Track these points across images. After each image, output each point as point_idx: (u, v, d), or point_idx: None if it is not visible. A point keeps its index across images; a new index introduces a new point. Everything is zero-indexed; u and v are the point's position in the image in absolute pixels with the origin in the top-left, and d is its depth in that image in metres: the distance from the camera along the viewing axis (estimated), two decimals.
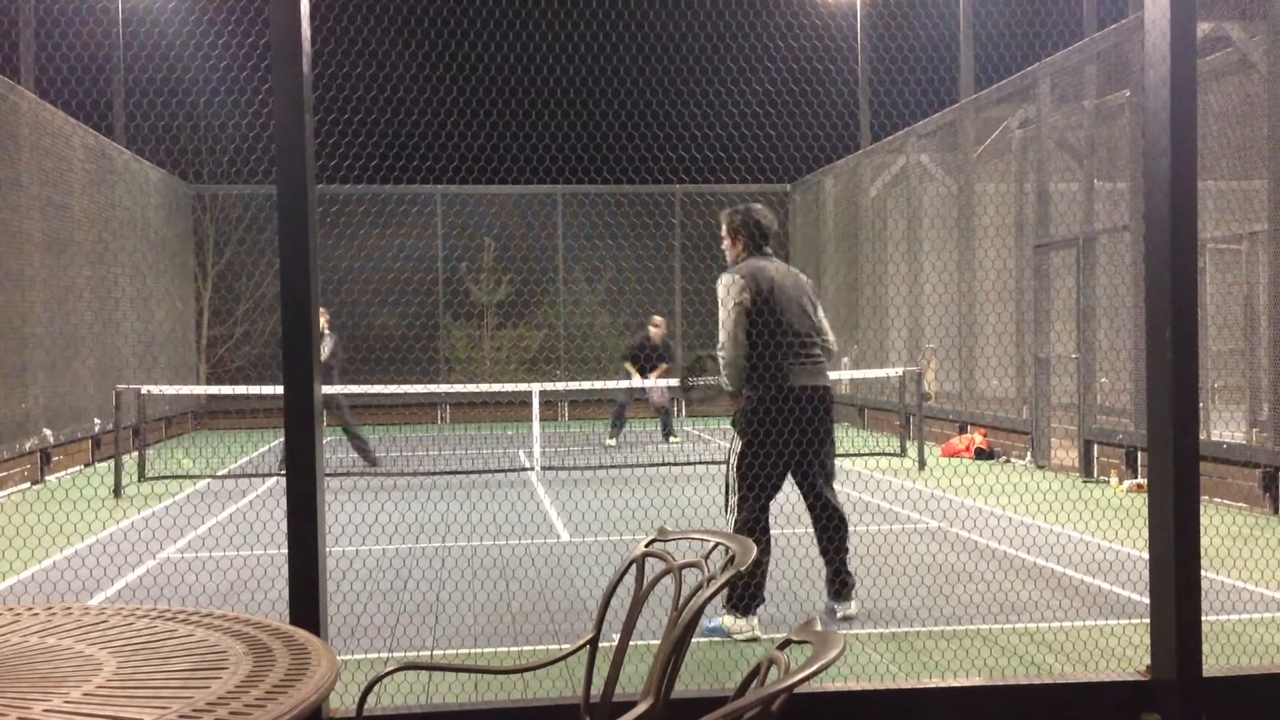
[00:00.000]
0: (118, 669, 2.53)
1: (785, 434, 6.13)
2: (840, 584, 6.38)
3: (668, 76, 9.04)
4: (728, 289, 6.21)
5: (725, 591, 5.98)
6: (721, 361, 6.24)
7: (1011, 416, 14.55)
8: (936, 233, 16.72)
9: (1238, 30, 10.61)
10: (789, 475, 6.32)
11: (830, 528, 6.35)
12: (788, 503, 6.31)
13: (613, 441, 16.83)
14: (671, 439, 17.40)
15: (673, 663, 2.64)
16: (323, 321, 14.11)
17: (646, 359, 17.05)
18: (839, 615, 6.37)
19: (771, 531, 6.35)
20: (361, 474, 13.29)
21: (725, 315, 6.18)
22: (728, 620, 6.11)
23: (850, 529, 6.47)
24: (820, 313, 6.42)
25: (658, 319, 17.61)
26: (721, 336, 6.21)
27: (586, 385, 16.97)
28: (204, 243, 21.48)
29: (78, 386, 15.13)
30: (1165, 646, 4.18)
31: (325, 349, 14.07)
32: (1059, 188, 13.92)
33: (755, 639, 6.06)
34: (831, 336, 6.46)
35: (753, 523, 6.15)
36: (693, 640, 2.75)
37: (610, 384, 16.69)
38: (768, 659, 2.25)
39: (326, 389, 13.58)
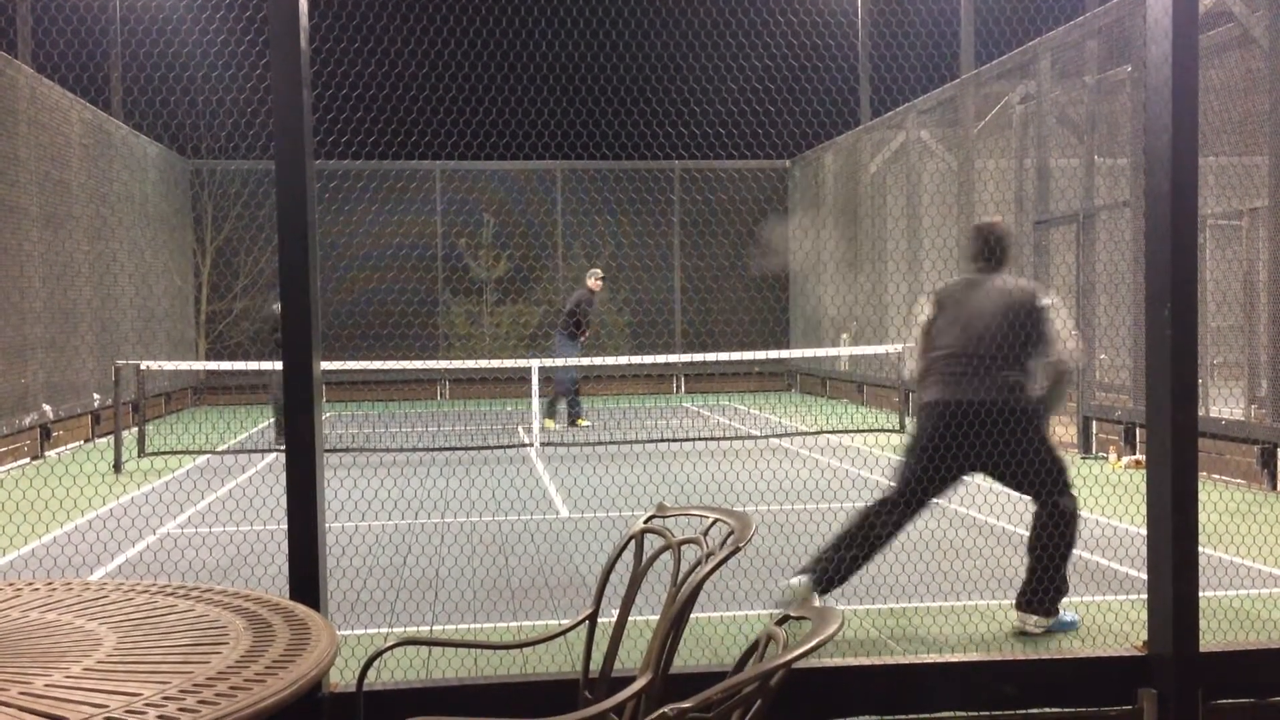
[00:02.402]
0: (118, 644, 2.54)
1: (925, 449, 5.80)
2: (1033, 591, 5.64)
3: (667, 52, 9.00)
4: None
5: (821, 567, 5.70)
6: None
7: None
8: (936, 209, 16.69)
9: (1239, 5, 10.56)
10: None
11: (1036, 527, 5.71)
12: (787, 478, 6.17)
13: (586, 422, 15.81)
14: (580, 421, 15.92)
15: (671, 638, 2.65)
16: None
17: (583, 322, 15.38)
18: (1025, 628, 5.69)
19: (778, 508, 5.96)
20: (360, 450, 13.30)
21: None
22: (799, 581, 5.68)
23: (1069, 542, 5.64)
24: (1027, 330, 5.67)
25: (598, 271, 16.26)
26: None
27: (586, 361, 16.84)
28: (202, 218, 21.44)
29: (77, 362, 15.13)
30: (1162, 622, 4.19)
31: None
32: (1059, 163, 13.88)
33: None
34: (1049, 353, 5.69)
35: (883, 515, 5.72)
36: (691, 616, 2.76)
37: (610, 360, 16.43)
38: (766, 635, 2.26)
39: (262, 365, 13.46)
